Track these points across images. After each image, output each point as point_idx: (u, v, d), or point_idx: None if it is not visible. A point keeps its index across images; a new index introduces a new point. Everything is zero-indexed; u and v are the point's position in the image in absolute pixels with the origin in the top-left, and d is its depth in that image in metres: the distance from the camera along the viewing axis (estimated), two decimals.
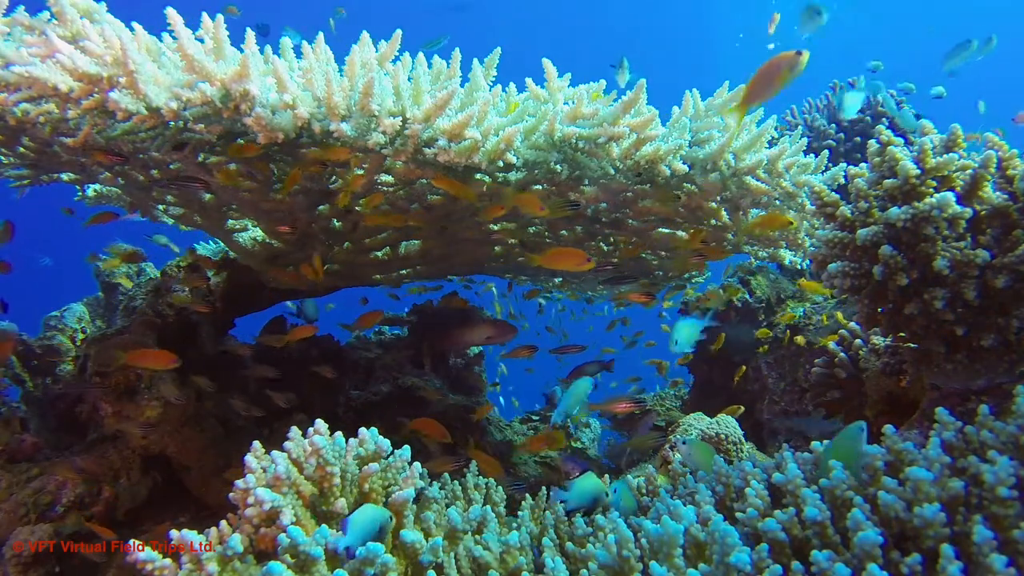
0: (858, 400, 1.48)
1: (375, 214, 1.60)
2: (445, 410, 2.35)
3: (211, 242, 2.30)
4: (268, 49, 1.27)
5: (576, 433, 2.92)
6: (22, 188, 1.75)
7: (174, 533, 0.84)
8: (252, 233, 1.91)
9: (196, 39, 1.15)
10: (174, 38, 1.14)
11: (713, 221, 1.64)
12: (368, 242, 1.86)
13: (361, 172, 1.44)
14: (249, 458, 0.96)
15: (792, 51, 1.18)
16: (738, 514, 0.89)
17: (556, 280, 2.62)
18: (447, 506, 1.08)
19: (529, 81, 1.39)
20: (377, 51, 1.25)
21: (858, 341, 1.49)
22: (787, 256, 1.77)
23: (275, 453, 0.96)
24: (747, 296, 2.48)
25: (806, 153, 1.57)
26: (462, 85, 1.31)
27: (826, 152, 1.67)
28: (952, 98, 3.35)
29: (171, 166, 1.52)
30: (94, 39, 1.11)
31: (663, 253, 1.98)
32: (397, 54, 1.26)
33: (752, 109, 1.30)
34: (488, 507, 1.09)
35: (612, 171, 1.45)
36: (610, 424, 2.86)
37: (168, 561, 0.83)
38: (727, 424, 1.68)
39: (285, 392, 2.06)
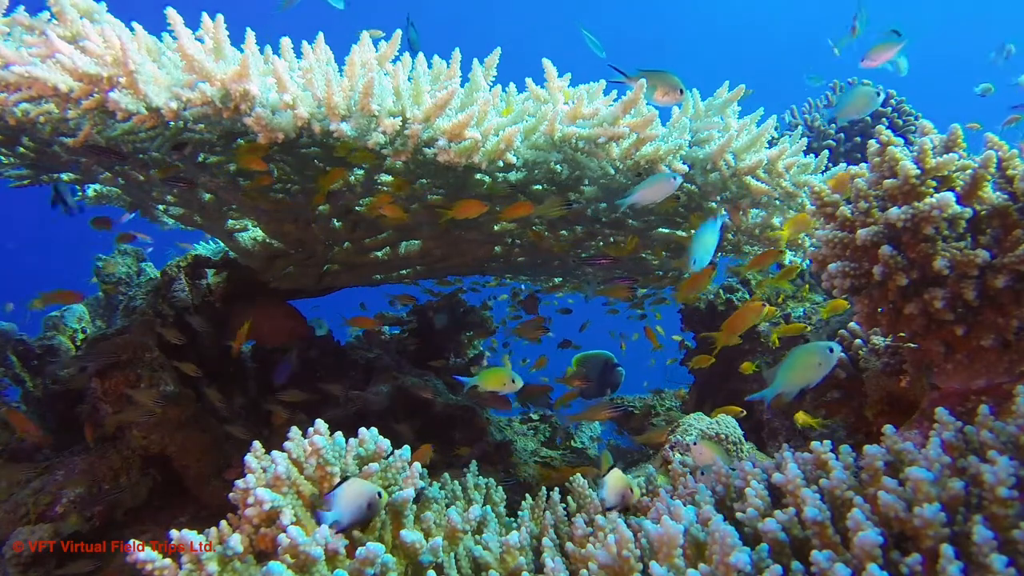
0: (858, 400, 1.48)
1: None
2: (445, 410, 2.34)
3: (211, 242, 2.30)
4: (268, 49, 1.27)
5: (576, 432, 2.91)
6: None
7: (174, 533, 0.84)
8: (252, 233, 1.91)
9: (196, 39, 1.15)
10: (174, 38, 1.14)
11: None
12: (368, 242, 1.86)
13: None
14: (249, 458, 0.96)
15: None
16: (738, 514, 0.89)
17: (556, 280, 2.62)
18: (447, 506, 1.08)
19: (529, 81, 1.39)
20: (377, 51, 1.25)
21: (858, 341, 1.49)
22: (787, 256, 1.77)
23: (275, 453, 0.96)
24: (747, 296, 2.47)
25: (806, 153, 1.57)
26: (462, 85, 1.31)
27: (826, 152, 1.67)
28: (952, 97, 3.34)
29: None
30: (94, 39, 1.11)
31: (664, 253, 1.98)
32: (397, 54, 1.26)
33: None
34: (488, 507, 1.09)
35: (612, 171, 1.45)
36: (617, 427, 2.84)
37: (168, 561, 0.83)
38: (727, 424, 1.68)
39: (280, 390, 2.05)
